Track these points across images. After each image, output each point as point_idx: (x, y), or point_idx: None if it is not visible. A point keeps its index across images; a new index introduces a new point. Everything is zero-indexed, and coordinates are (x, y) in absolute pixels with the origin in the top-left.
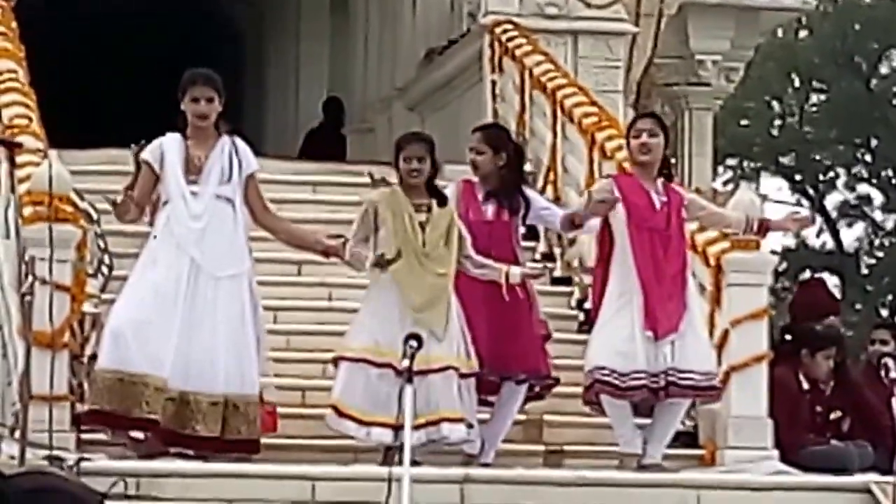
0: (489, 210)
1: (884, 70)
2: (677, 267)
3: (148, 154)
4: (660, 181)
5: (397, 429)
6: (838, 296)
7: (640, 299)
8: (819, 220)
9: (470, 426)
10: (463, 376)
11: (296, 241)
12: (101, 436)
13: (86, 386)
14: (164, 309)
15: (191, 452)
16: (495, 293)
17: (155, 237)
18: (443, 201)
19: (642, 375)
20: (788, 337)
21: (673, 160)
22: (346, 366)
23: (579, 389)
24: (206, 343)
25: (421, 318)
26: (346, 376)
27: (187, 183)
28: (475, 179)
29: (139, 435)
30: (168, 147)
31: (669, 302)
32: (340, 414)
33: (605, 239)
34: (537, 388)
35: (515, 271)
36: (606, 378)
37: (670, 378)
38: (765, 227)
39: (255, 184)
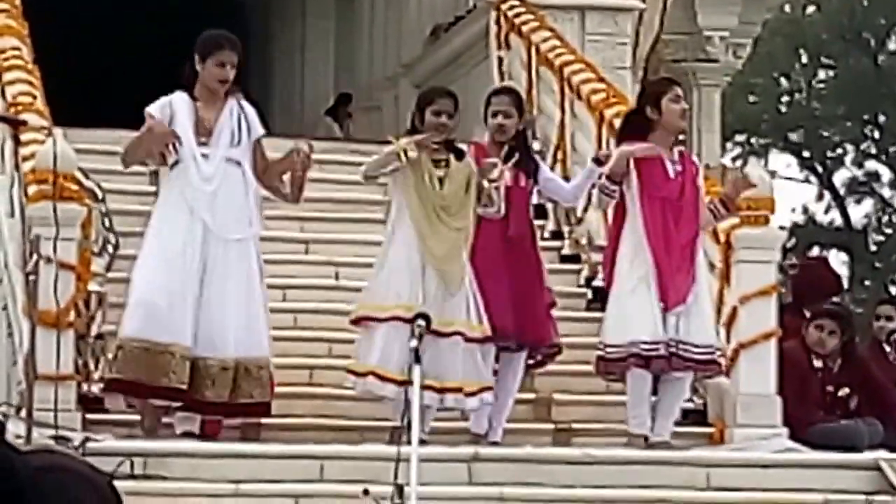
0: (507, 175)
1: (892, 46)
2: (688, 237)
3: (156, 110)
4: (677, 150)
5: (438, 389)
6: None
7: (652, 269)
8: (827, 195)
9: (481, 391)
10: (470, 340)
11: (283, 167)
12: (107, 416)
13: (91, 365)
14: (182, 275)
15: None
16: (516, 260)
17: (159, 197)
18: (460, 156)
19: (660, 346)
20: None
21: (682, 136)
22: (379, 328)
23: (588, 367)
24: (217, 308)
25: (442, 270)
26: (380, 340)
27: (197, 145)
28: (484, 142)
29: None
30: (178, 107)
31: (678, 273)
32: (382, 378)
33: (619, 212)
34: (539, 357)
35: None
36: (638, 351)
37: (672, 349)
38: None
39: (262, 147)
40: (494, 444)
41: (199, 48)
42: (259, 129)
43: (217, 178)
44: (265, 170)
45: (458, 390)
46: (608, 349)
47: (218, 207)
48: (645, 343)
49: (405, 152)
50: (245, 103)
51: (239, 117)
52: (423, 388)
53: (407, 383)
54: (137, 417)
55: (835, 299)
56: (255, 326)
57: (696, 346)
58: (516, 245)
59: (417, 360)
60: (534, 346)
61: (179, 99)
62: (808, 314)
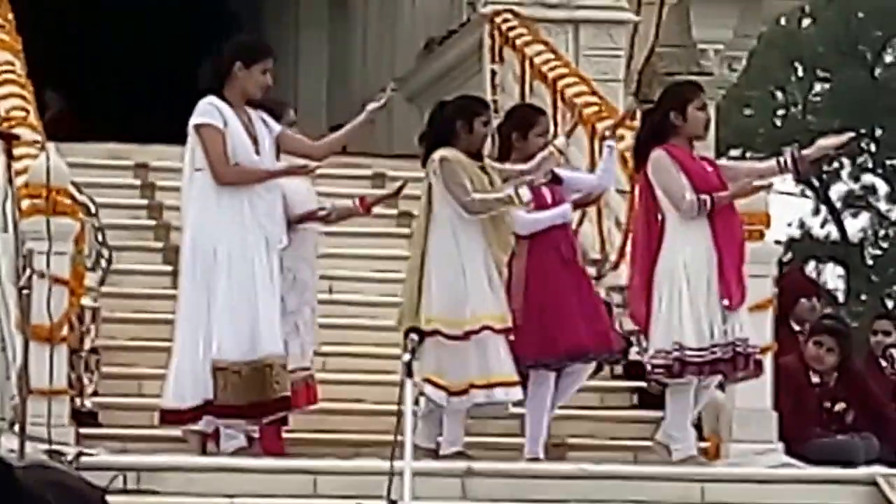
0: (546, 193)
1: (888, 59)
2: (740, 236)
3: (207, 118)
4: (695, 153)
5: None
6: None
7: (715, 268)
8: (823, 209)
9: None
10: (498, 331)
11: (350, 135)
12: (100, 430)
13: (85, 380)
14: (256, 288)
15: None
16: (573, 274)
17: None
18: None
19: (717, 349)
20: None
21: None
22: (469, 341)
23: (583, 382)
24: (270, 310)
25: (500, 269)
26: (475, 352)
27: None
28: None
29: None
30: (226, 112)
31: (737, 270)
32: (489, 386)
33: (652, 220)
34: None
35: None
36: (689, 357)
37: (739, 349)
38: (800, 159)
39: (288, 135)
40: (535, 459)
41: (242, 53)
42: (277, 126)
43: (275, 189)
44: (311, 146)
45: (506, 384)
46: (668, 355)
47: (276, 215)
48: (697, 349)
49: (518, 197)
50: (263, 114)
51: (264, 124)
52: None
53: (516, 384)
54: (130, 432)
55: (830, 312)
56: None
57: (754, 346)
58: (571, 263)
59: (409, 373)
60: (611, 357)
61: (222, 104)
62: (795, 326)
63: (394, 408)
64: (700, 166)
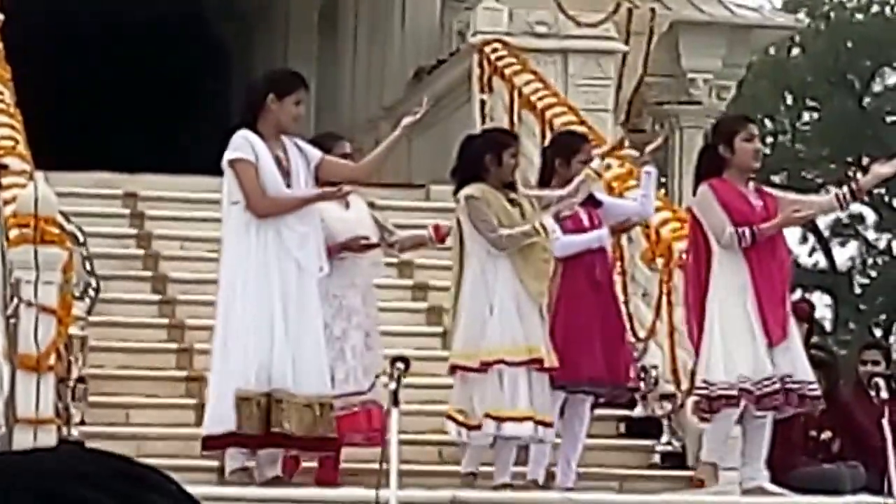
0: (583, 215)
1: (876, 88)
2: (783, 271)
3: (240, 152)
4: (752, 185)
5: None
6: (827, 315)
7: (754, 305)
8: (811, 238)
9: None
10: (542, 370)
11: (389, 151)
12: None
13: (72, 409)
14: (273, 321)
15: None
16: (603, 303)
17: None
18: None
19: (770, 382)
20: None
21: (663, 179)
22: (500, 373)
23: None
24: (307, 345)
25: (540, 304)
26: (509, 384)
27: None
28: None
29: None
30: (258, 146)
31: (778, 307)
32: (522, 420)
33: (702, 255)
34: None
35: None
36: (746, 387)
37: (788, 386)
38: (858, 190)
39: (329, 161)
40: (569, 489)
41: (276, 85)
42: (316, 154)
43: (307, 218)
44: (354, 169)
45: (516, 419)
46: (712, 387)
47: (311, 246)
48: (749, 380)
49: (544, 229)
50: (299, 142)
51: (299, 154)
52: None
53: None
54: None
55: (818, 342)
56: (325, 363)
57: (803, 383)
58: (603, 288)
59: (395, 402)
60: (617, 393)
61: (253, 137)
62: None
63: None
64: (743, 199)
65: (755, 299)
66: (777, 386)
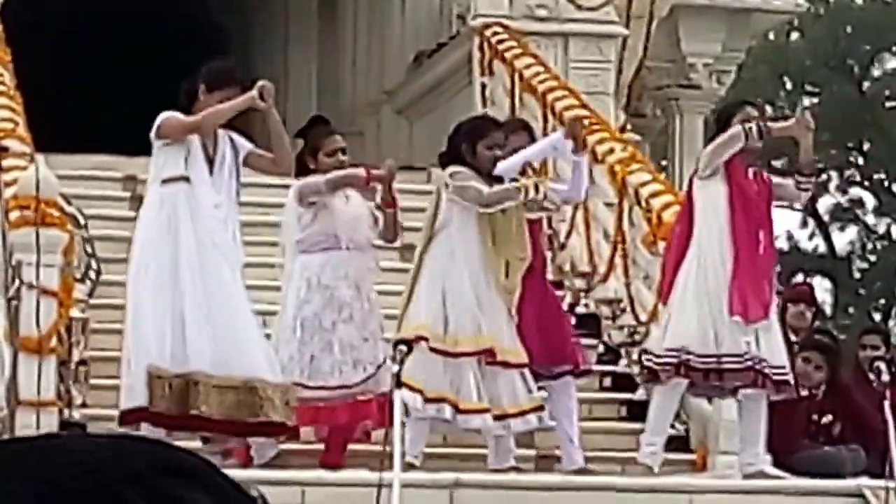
0: None
1: (876, 73)
2: (769, 256)
3: (165, 117)
4: (751, 169)
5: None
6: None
7: (727, 279)
8: (811, 222)
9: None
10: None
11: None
12: None
13: (73, 391)
14: (197, 300)
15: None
16: (536, 287)
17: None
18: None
19: (726, 359)
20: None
21: (664, 163)
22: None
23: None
24: (223, 329)
25: (509, 298)
26: (452, 371)
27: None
28: None
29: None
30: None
31: (760, 287)
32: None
33: (685, 219)
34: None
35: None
36: (689, 359)
37: (754, 366)
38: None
39: (253, 153)
40: (583, 471)
41: (208, 78)
42: (247, 145)
43: (223, 207)
44: (274, 158)
45: (519, 414)
46: (654, 355)
47: (228, 233)
48: (696, 354)
49: (535, 188)
50: (233, 134)
51: (233, 151)
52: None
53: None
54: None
55: (819, 326)
56: (259, 348)
57: (774, 367)
58: (536, 273)
59: (399, 385)
60: (562, 369)
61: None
62: (792, 337)
63: None
64: (749, 181)
65: (731, 275)
66: (737, 365)
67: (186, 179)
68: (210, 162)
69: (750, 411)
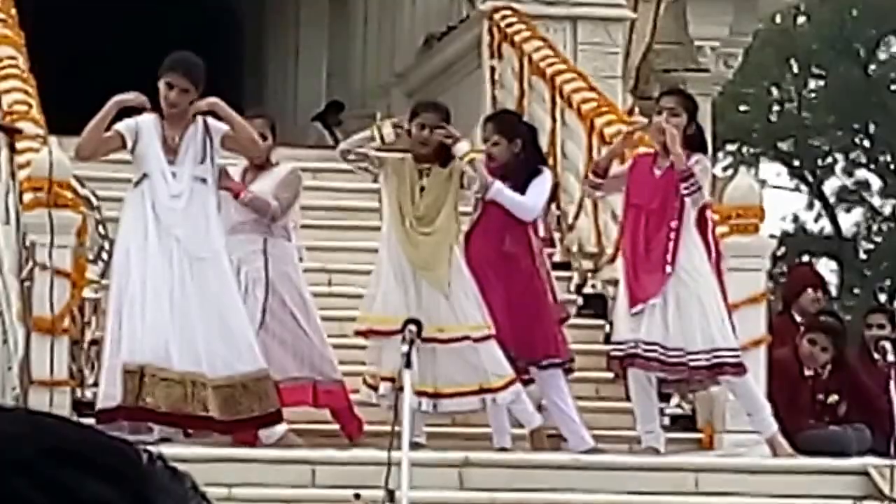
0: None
1: (882, 56)
2: (662, 243)
3: (123, 126)
4: (657, 169)
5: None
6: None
7: (623, 270)
8: (817, 204)
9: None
10: (477, 340)
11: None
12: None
13: (85, 371)
14: (161, 295)
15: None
16: (511, 274)
17: (125, 215)
18: (446, 163)
19: (638, 347)
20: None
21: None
22: (386, 339)
23: (578, 374)
24: (198, 325)
25: (427, 276)
26: (387, 350)
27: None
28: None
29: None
30: (144, 127)
31: (650, 273)
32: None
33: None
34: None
35: (462, 146)
36: (633, 350)
37: (652, 351)
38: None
39: (228, 135)
40: (594, 450)
41: (161, 66)
42: (223, 128)
43: (185, 196)
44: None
45: (457, 395)
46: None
47: (189, 225)
48: (622, 343)
49: (379, 129)
50: (210, 120)
51: (203, 135)
52: (418, 393)
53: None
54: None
55: (825, 307)
56: (242, 341)
57: (666, 349)
58: (512, 260)
59: (408, 364)
60: (532, 361)
61: (146, 120)
62: (798, 318)
63: None
64: (648, 177)
65: (625, 264)
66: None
67: (147, 177)
68: (173, 152)
69: (734, 384)
